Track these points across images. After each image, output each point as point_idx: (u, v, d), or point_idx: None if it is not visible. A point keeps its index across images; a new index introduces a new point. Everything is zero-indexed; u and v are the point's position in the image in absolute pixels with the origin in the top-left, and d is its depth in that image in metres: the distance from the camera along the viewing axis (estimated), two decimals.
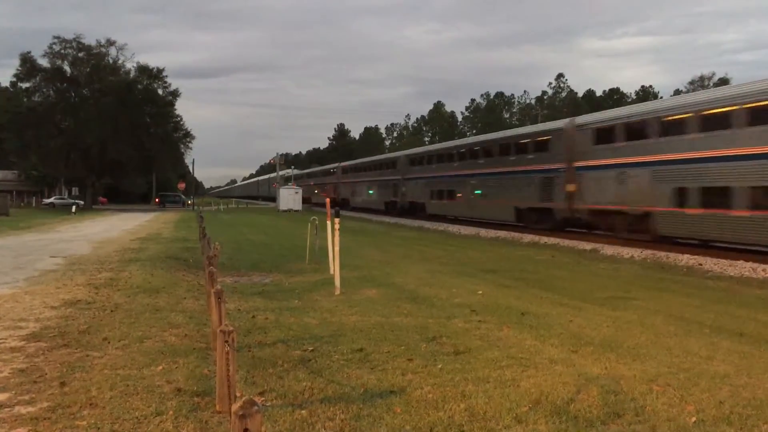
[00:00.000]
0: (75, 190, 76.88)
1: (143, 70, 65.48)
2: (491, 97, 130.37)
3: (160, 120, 66.41)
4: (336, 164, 70.76)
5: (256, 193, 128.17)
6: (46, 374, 5.75)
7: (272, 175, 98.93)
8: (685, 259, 16.92)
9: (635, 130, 21.33)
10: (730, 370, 6.08)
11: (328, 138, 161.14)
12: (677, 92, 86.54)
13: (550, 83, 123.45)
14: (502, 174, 30.10)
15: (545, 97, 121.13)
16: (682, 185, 19.20)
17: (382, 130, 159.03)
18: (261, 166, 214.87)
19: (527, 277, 13.60)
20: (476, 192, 32.96)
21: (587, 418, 4.73)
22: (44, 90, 63.07)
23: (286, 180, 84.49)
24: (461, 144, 38.40)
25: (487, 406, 4.94)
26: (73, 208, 51.84)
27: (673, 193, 19.50)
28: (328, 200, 15.92)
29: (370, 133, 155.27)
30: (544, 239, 23.83)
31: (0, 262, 15.01)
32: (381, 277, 13.21)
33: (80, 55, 62.25)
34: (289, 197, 61.82)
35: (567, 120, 26.81)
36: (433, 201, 38.43)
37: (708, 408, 4.95)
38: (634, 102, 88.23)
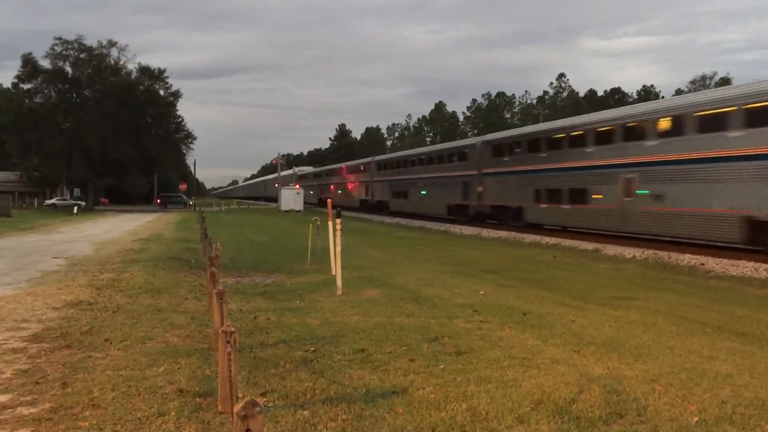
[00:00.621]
0: (77, 191, 76.94)
1: (144, 70, 65.59)
2: (492, 97, 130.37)
3: (162, 120, 66.56)
4: (368, 158, 58.37)
5: (262, 193, 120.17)
6: (48, 375, 5.76)
7: (281, 174, 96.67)
8: (687, 258, 16.90)
9: None
10: (732, 369, 6.07)
11: (330, 138, 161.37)
12: (679, 92, 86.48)
13: (552, 83, 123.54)
14: (692, 163, 18.60)
15: (546, 97, 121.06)
16: None
17: (384, 131, 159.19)
18: (263, 167, 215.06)
19: (529, 277, 13.59)
20: (640, 192, 20.80)
21: (589, 418, 4.73)
22: (46, 91, 63.16)
23: (299, 178, 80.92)
24: (603, 119, 23.83)
25: (489, 407, 4.94)
26: (75, 209, 51.87)
27: None
28: (329, 201, 15.87)
29: (371, 133, 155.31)
30: (546, 239, 23.81)
31: (2, 263, 15.03)
32: (382, 277, 13.21)
33: (82, 56, 62.36)
34: (291, 197, 61.82)
35: None
36: (541, 205, 26.55)
37: (710, 408, 4.95)
38: (635, 102, 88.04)
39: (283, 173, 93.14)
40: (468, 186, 33.65)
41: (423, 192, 40.36)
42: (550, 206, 26.02)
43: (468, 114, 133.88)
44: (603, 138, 22.86)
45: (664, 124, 20.09)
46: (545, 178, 26.33)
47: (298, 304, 10.16)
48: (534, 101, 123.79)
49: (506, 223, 29.26)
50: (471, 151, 34.16)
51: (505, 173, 29.77)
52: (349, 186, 60.24)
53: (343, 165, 68.20)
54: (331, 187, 68.02)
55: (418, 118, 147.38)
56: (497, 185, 30.63)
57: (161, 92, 66.55)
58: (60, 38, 61.43)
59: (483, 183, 32.05)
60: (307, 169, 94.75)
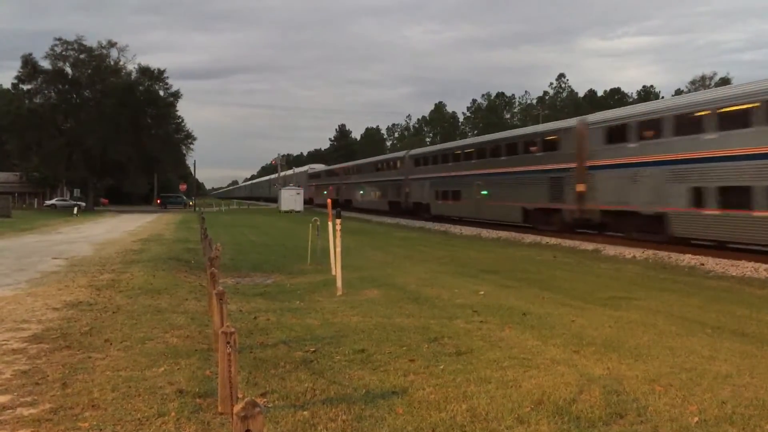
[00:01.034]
0: (76, 192, 76.96)
1: (144, 71, 65.73)
2: (492, 97, 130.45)
3: (162, 121, 66.71)
4: (401, 152, 50.20)
5: (267, 193, 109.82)
6: (48, 376, 5.76)
7: (287, 172, 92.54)
8: (687, 259, 16.89)
9: None
10: (732, 370, 6.07)
11: (329, 139, 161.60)
12: (678, 92, 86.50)
13: (551, 83, 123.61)
14: None
15: (546, 98, 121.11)
16: None
17: (383, 131, 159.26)
18: (262, 167, 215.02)
19: (529, 277, 13.59)
20: None
21: (589, 418, 4.73)
22: (46, 92, 63.29)
23: (310, 177, 76.54)
24: None
25: (489, 407, 4.94)
26: (75, 210, 51.88)
27: None
28: (329, 201, 15.88)
29: (371, 133, 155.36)
30: (546, 239, 23.79)
31: (2, 264, 15.03)
32: (382, 277, 13.20)
33: (81, 56, 62.45)
34: (291, 198, 61.92)
35: None
36: (707, 212, 18.05)
37: (710, 408, 4.95)
38: (635, 102, 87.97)
39: (290, 172, 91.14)
40: (560, 183, 24.91)
41: (484, 192, 31.31)
42: (726, 213, 17.34)
43: (468, 114, 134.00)
44: None
45: None
46: (716, 170, 17.78)
47: (298, 304, 10.16)
48: (534, 101, 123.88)
49: (633, 237, 21.28)
50: (566, 136, 25.04)
51: (634, 165, 20.92)
52: (376, 186, 50.86)
53: (366, 161, 58.91)
54: (351, 187, 58.88)
55: (418, 119, 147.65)
56: (616, 182, 21.84)
57: (161, 93, 66.72)
58: (60, 39, 61.69)
59: (587, 179, 23.41)
60: (319, 167, 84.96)
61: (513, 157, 28.94)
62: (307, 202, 70.71)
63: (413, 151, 46.22)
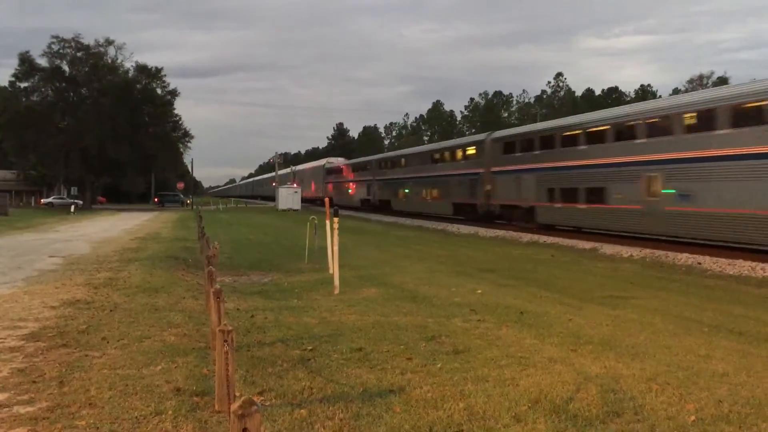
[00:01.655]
0: (74, 190, 76.83)
1: (142, 69, 65.70)
2: (490, 96, 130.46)
3: (159, 119, 66.69)
4: (481, 135, 36.62)
5: (271, 192, 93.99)
6: (45, 374, 5.75)
7: (296, 168, 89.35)
8: (684, 258, 16.92)
9: None
10: (729, 368, 6.08)
11: (327, 137, 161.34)
12: (676, 91, 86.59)
13: (549, 82, 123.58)
14: None
15: (544, 97, 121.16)
16: None
17: (381, 130, 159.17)
18: (260, 166, 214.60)
19: (526, 276, 13.60)
20: None
21: (586, 417, 4.74)
22: (43, 90, 63.23)
23: (328, 172, 68.07)
24: None
25: (487, 405, 4.94)
26: (72, 208, 51.77)
27: None
28: (327, 200, 15.85)
29: (369, 132, 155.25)
30: (544, 238, 23.81)
31: None
32: (380, 276, 13.21)
33: (79, 54, 62.39)
34: (289, 197, 61.83)
35: None
36: None
37: (707, 407, 4.96)
38: (633, 102, 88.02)
39: (308, 165, 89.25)
40: None
41: (668, 191, 19.41)
42: None
43: (465, 113, 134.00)
44: None
45: None
46: None
47: (296, 303, 10.16)
48: (532, 100, 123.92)
49: None
50: None
51: None
52: (432, 182, 39.02)
53: (416, 150, 47.84)
54: (390, 184, 47.39)
55: (416, 117, 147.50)
56: None
57: (159, 91, 66.71)
58: (57, 37, 61.63)
59: None
60: (339, 160, 71.78)
61: (755, 129, 16.37)
62: (322, 202, 65.98)
63: (499, 134, 33.14)
